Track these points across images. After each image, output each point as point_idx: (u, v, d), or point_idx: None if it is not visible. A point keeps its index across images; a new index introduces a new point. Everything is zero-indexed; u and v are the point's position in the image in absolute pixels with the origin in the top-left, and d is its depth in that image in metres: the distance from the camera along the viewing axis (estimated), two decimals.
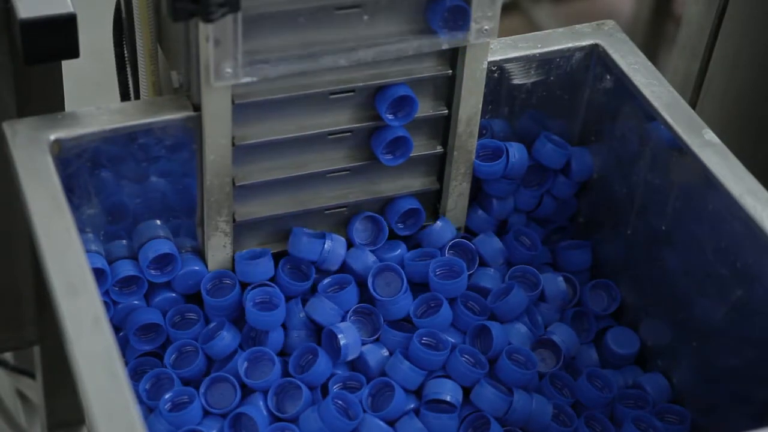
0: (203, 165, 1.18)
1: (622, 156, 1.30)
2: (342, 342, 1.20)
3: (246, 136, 1.18)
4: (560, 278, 1.33)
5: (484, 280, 1.30)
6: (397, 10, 1.16)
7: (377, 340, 1.26)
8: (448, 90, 1.24)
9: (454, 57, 1.22)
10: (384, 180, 1.28)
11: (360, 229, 1.29)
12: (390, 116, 1.22)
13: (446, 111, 1.25)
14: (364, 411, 1.19)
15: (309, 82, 1.17)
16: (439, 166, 1.29)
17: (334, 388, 1.21)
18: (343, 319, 1.24)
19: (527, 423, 1.21)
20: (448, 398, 1.21)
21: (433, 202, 1.32)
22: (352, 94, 1.20)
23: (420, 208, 1.29)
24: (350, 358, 1.22)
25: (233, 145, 1.17)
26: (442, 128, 1.27)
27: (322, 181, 1.25)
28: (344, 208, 1.28)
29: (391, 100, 1.20)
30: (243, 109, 1.16)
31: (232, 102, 1.14)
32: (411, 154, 1.25)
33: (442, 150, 1.27)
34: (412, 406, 1.21)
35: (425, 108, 1.24)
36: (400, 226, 1.30)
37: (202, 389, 1.19)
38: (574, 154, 1.34)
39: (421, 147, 1.27)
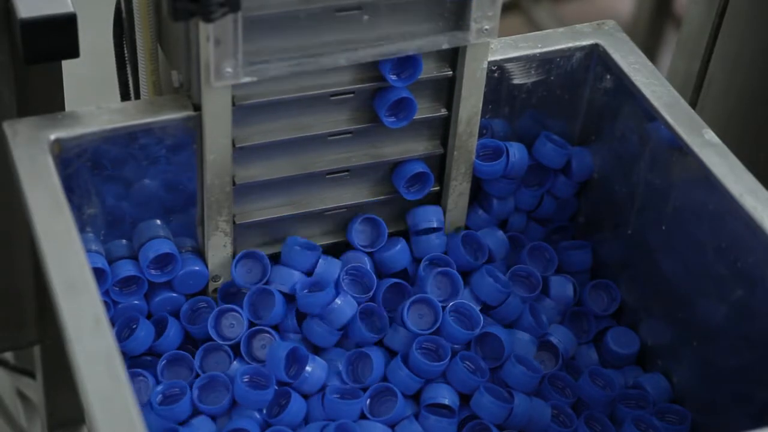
0: (203, 165, 1.18)
1: (622, 156, 1.30)
2: (308, 370, 1.20)
3: (246, 96, 1.16)
4: (569, 284, 1.33)
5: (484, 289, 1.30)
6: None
7: (381, 342, 1.26)
8: (452, 51, 1.22)
9: (454, 54, 1.22)
10: (387, 144, 1.26)
11: (359, 231, 1.29)
12: (393, 77, 1.20)
13: (450, 72, 1.23)
14: (365, 416, 1.19)
15: (311, 43, 1.15)
16: (442, 130, 1.27)
17: (332, 397, 1.20)
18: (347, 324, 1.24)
19: (527, 426, 1.21)
20: (446, 401, 1.21)
21: (438, 167, 1.30)
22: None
23: (428, 171, 1.27)
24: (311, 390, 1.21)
25: (233, 104, 1.15)
26: (446, 90, 1.25)
27: (324, 144, 1.23)
28: (346, 173, 1.26)
29: (394, 60, 1.18)
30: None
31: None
32: (414, 117, 1.23)
33: (447, 113, 1.25)
34: (410, 411, 1.21)
35: (429, 69, 1.22)
36: (408, 190, 1.28)
37: (195, 390, 1.18)
38: (574, 154, 1.34)
39: (425, 110, 1.25)
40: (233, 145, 1.18)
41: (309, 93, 1.19)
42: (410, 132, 1.26)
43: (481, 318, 1.25)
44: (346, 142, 1.24)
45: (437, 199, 1.32)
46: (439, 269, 1.27)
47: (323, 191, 1.27)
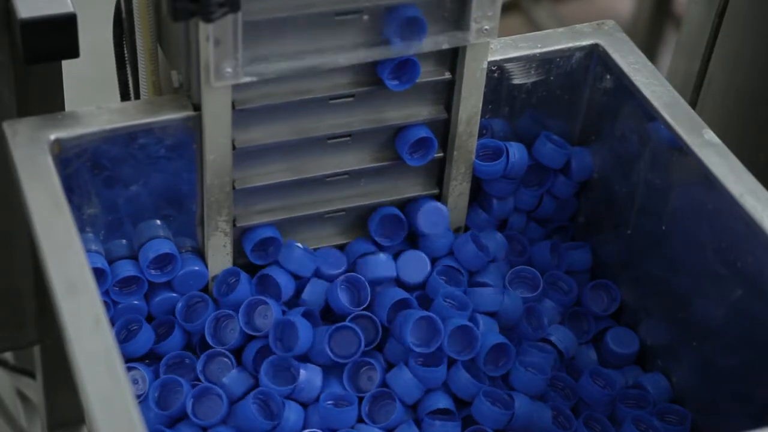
0: (203, 165, 1.18)
1: (622, 156, 1.30)
2: (301, 377, 1.20)
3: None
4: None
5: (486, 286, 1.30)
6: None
7: (378, 347, 1.25)
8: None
9: (454, 54, 1.22)
10: (389, 108, 1.24)
11: (379, 227, 1.28)
12: (397, 39, 1.16)
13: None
14: (363, 421, 1.19)
15: (314, 1, 1.13)
16: (447, 93, 1.25)
17: (326, 405, 1.19)
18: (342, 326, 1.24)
19: (527, 428, 1.21)
20: (443, 405, 1.20)
21: (442, 132, 1.27)
22: (358, 15, 1.15)
23: (431, 137, 1.25)
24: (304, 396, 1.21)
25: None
26: (450, 53, 1.23)
27: (325, 107, 1.21)
28: (348, 137, 1.24)
29: (398, 22, 1.15)
30: (245, 30, 1.11)
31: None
32: (418, 80, 1.21)
33: (451, 76, 1.23)
34: (408, 418, 1.21)
35: (434, 31, 1.19)
36: (411, 156, 1.26)
37: (189, 401, 1.18)
38: (574, 153, 1.34)
39: (428, 73, 1.22)
40: (233, 106, 1.16)
41: (311, 53, 1.15)
42: (413, 96, 1.24)
43: (480, 337, 1.23)
44: (348, 106, 1.22)
45: (446, 128, 1.27)
46: (450, 291, 1.25)
47: (324, 157, 1.24)
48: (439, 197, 1.32)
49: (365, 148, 1.26)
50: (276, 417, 1.17)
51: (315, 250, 1.28)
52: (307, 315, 1.23)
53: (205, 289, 1.26)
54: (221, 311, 1.23)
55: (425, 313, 1.22)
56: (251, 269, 1.27)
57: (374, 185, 1.29)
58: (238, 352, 1.23)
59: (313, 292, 1.25)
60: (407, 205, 1.31)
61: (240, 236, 1.25)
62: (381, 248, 1.30)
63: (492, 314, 1.27)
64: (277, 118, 1.20)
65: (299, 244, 1.26)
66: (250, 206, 1.25)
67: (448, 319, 1.22)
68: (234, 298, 1.23)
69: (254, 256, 1.26)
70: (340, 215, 1.29)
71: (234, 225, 1.24)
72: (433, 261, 1.30)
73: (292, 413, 1.18)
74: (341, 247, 1.30)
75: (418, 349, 1.21)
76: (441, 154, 1.28)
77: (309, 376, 1.20)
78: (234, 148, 1.18)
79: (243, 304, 1.22)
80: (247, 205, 1.24)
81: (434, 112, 1.26)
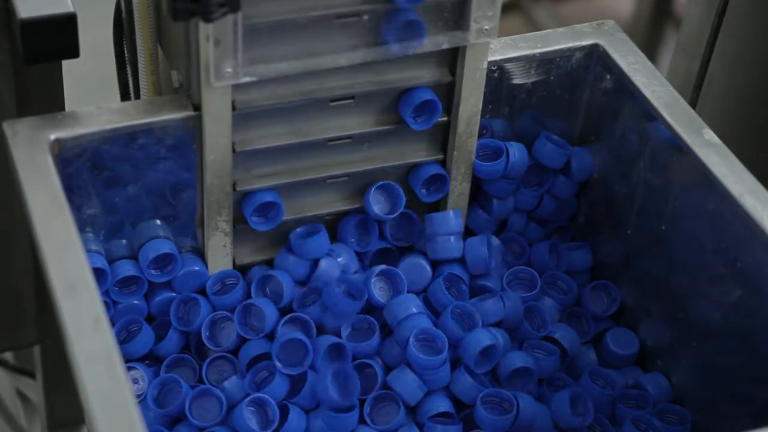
0: (203, 165, 1.18)
1: (622, 156, 1.30)
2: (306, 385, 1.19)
3: (249, 15, 1.11)
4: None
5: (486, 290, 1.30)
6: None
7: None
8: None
9: (454, 55, 1.22)
10: (393, 70, 1.21)
11: (375, 199, 1.26)
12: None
13: None
14: (365, 422, 1.19)
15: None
16: (451, 56, 1.23)
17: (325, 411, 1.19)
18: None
19: (528, 429, 1.21)
20: (443, 409, 1.20)
21: (446, 96, 1.25)
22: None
23: (436, 99, 1.23)
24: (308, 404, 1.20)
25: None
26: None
27: (328, 68, 1.18)
28: (351, 100, 1.21)
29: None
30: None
31: None
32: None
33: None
34: (409, 420, 1.21)
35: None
36: (415, 120, 1.23)
37: (188, 401, 1.18)
38: (574, 154, 1.34)
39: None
40: None
41: (314, 13, 1.13)
42: (417, 58, 1.21)
43: (500, 353, 1.23)
44: (351, 67, 1.19)
45: (450, 92, 1.25)
46: (456, 304, 1.25)
47: (327, 119, 1.22)
48: (443, 163, 1.29)
49: (368, 111, 1.23)
50: (271, 423, 1.16)
51: (317, 218, 1.27)
52: (302, 321, 1.23)
53: (203, 290, 1.26)
54: (218, 313, 1.23)
55: (436, 332, 1.22)
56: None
57: (377, 150, 1.26)
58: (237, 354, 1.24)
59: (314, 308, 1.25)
60: (411, 172, 1.29)
61: (240, 200, 1.23)
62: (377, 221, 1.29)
63: (496, 324, 1.27)
64: (278, 79, 1.17)
65: (295, 252, 1.26)
66: (250, 170, 1.22)
67: (473, 337, 1.22)
68: (229, 300, 1.23)
69: (254, 222, 1.23)
70: (342, 181, 1.27)
71: (234, 189, 1.22)
72: (439, 262, 1.31)
73: (294, 418, 1.17)
74: (341, 215, 1.29)
75: (424, 360, 1.21)
76: (445, 119, 1.26)
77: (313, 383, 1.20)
78: (234, 109, 1.16)
79: (238, 307, 1.22)
80: (247, 169, 1.22)
81: (438, 75, 1.23)
